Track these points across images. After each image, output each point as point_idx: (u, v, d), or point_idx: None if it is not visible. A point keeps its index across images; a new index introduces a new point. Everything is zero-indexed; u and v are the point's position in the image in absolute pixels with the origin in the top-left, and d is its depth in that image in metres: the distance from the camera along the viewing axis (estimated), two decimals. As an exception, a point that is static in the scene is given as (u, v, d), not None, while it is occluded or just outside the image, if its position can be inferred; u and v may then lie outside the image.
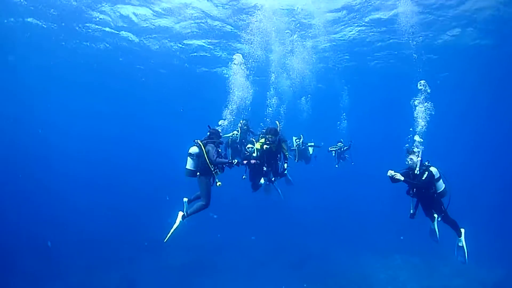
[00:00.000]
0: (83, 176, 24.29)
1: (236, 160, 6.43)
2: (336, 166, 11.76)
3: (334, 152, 11.61)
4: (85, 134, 29.00)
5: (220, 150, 6.50)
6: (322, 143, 11.66)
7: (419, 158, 5.75)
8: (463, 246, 6.17)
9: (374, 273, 12.51)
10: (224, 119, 8.63)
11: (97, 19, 13.56)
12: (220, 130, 6.86)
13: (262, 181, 7.81)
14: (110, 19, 13.70)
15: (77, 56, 17.00)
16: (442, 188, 5.94)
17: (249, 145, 7.87)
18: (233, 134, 8.92)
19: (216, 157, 6.18)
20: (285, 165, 7.60)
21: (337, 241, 14.64)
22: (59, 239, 13.81)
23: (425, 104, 7.36)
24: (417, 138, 6.30)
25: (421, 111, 7.26)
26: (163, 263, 13.11)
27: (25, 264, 12.26)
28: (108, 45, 15.98)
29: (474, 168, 26.81)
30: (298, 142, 10.80)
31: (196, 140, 6.37)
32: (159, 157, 30.22)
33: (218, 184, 6.24)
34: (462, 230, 6.19)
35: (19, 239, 13.54)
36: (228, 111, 8.91)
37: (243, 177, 7.75)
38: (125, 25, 14.16)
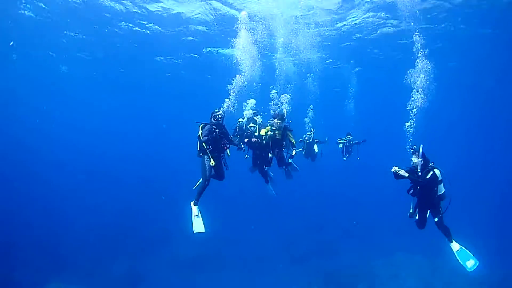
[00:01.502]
0: (91, 170, 24.84)
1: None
2: (344, 159, 11.77)
3: (342, 144, 11.61)
4: (94, 129, 29.30)
5: (216, 131, 6.59)
6: (327, 138, 11.70)
7: (420, 159, 5.84)
8: (460, 249, 6.22)
9: (376, 269, 12.90)
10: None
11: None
12: (220, 113, 6.80)
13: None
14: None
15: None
16: (443, 191, 6.07)
17: (251, 124, 8.07)
18: (239, 121, 8.88)
19: (204, 136, 6.42)
20: (294, 151, 7.72)
21: (340, 237, 15.08)
22: (67, 232, 14.31)
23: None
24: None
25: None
26: (170, 257, 13.61)
27: (33, 256, 12.66)
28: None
29: (473, 168, 26.83)
30: (309, 135, 11.06)
31: (198, 122, 6.72)
32: (168, 151, 30.68)
33: (211, 163, 6.46)
34: (454, 243, 6.24)
35: (28, 231, 13.94)
36: (234, 85, 8.83)
37: (246, 156, 8.08)
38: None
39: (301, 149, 11.09)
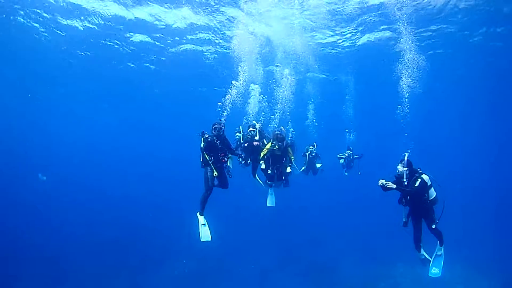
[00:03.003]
0: (94, 184, 25.15)
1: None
2: (346, 174, 12.11)
3: (343, 159, 12.01)
4: (98, 142, 29.53)
5: (217, 142, 6.99)
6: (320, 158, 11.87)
7: (405, 168, 5.98)
8: (442, 254, 6.60)
9: (376, 281, 13.16)
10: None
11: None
12: (219, 124, 7.19)
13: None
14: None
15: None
16: (434, 196, 6.21)
17: (251, 128, 8.46)
18: (237, 135, 9.20)
19: (204, 146, 6.87)
20: (288, 168, 8.11)
21: (341, 249, 15.30)
22: (68, 245, 14.54)
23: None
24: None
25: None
26: (172, 272, 13.82)
27: (33, 269, 12.83)
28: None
29: (474, 174, 27.36)
30: (311, 150, 11.40)
31: (199, 134, 7.11)
32: (171, 165, 30.80)
33: (214, 174, 6.83)
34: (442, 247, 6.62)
35: (28, 244, 14.20)
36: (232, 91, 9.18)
37: (248, 162, 8.64)
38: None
39: (303, 168, 11.46)
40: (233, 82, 8.99)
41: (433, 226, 6.25)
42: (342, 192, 22.02)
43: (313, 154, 11.44)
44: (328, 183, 18.09)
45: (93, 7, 12.76)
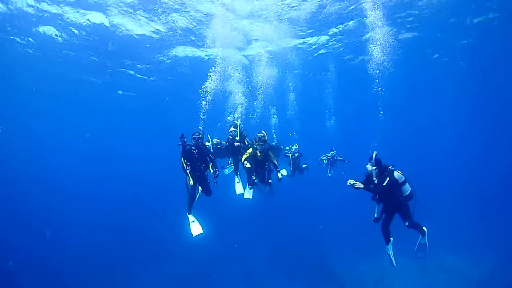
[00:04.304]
0: (84, 191, 24.77)
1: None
2: (329, 175, 12.06)
3: (326, 160, 11.98)
4: (87, 148, 28.91)
5: (195, 151, 7.09)
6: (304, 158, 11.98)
7: (374, 167, 5.89)
8: (426, 243, 6.74)
9: (362, 274, 13.47)
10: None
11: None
12: (198, 134, 7.21)
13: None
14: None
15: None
16: (408, 192, 6.18)
17: (232, 128, 8.43)
18: (207, 145, 8.93)
19: (182, 156, 7.06)
20: (279, 174, 8.04)
21: (327, 244, 15.52)
22: (60, 253, 14.54)
23: None
24: None
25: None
26: (162, 276, 13.94)
27: (25, 278, 12.73)
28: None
29: (463, 164, 28.14)
30: (294, 150, 11.30)
31: (179, 144, 7.11)
32: (160, 167, 30.27)
33: (190, 182, 7.00)
34: (425, 229, 6.65)
35: (21, 253, 14.03)
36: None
37: (229, 162, 8.74)
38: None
39: (287, 172, 11.37)
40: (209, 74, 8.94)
41: (406, 224, 6.25)
42: (327, 190, 22.23)
43: (296, 154, 11.43)
44: (313, 181, 18.29)
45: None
